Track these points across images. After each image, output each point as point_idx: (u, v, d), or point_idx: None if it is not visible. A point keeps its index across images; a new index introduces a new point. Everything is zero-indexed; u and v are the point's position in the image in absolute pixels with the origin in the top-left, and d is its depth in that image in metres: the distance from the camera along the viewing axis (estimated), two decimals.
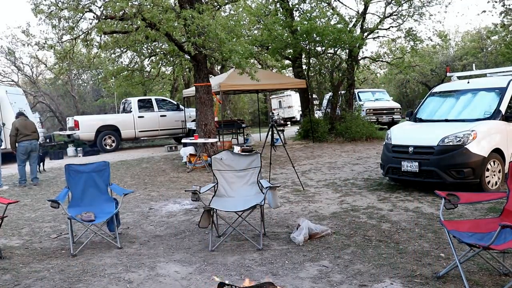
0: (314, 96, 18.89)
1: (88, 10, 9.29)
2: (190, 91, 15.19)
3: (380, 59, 18.27)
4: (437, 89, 8.32)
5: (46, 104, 24.52)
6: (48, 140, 17.23)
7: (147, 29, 9.41)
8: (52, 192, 8.54)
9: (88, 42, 10.05)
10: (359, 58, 16.89)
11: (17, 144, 9.43)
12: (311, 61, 16.62)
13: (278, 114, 27.02)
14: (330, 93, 17.32)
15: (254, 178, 5.29)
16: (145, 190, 8.29)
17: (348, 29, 14.58)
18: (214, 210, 4.69)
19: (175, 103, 18.03)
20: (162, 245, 4.89)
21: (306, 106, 16.64)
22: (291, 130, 19.60)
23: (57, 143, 17.59)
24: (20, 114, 9.86)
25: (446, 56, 29.03)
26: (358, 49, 15.32)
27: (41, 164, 11.51)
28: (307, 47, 15.62)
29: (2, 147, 13.55)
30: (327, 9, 15.68)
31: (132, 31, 9.66)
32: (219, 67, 21.07)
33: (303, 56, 16.49)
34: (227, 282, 3.11)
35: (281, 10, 16.03)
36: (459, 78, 8.53)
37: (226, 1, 11.90)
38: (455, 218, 5.20)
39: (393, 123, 17.47)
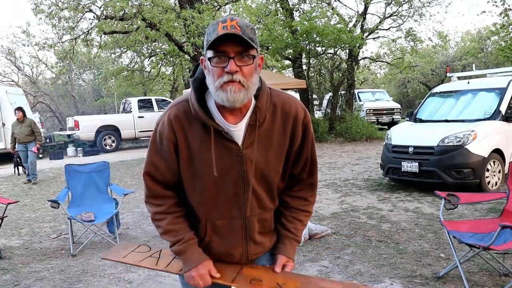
0: (314, 96, 18.88)
1: (88, 10, 9.31)
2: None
3: (380, 60, 18.28)
4: (437, 89, 8.33)
5: (46, 104, 24.53)
6: (48, 140, 17.23)
7: (147, 29, 9.42)
8: (52, 192, 8.53)
9: (88, 42, 10.08)
10: (359, 58, 16.90)
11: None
12: (311, 61, 16.62)
13: None
14: (330, 93, 17.31)
15: None
16: None
17: (348, 29, 14.59)
18: None
19: None
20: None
21: (306, 106, 16.58)
22: None
23: (57, 143, 17.59)
24: (17, 111, 9.89)
25: (446, 56, 29.01)
26: (358, 49, 15.33)
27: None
28: (307, 47, 15.63)
29: (2, 147, 13.56)
30: (327, 9, 15.70)
31: (132, 31, 9.68)
32: None
33: (303, 56, 16.50)
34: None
35: (281, 10, 16.04)
36: (459, 78, 8.54)
37: (226, 1, 11.90)
38: (455, 218, 5.20)
39: (393, 123, 17.44)
